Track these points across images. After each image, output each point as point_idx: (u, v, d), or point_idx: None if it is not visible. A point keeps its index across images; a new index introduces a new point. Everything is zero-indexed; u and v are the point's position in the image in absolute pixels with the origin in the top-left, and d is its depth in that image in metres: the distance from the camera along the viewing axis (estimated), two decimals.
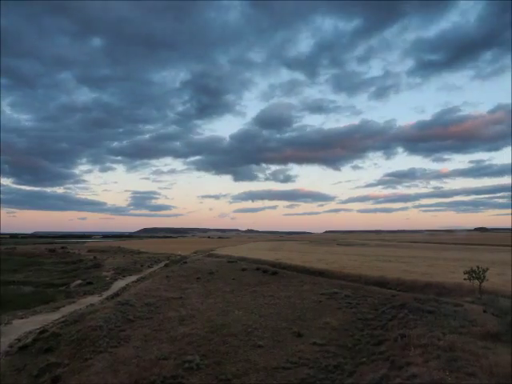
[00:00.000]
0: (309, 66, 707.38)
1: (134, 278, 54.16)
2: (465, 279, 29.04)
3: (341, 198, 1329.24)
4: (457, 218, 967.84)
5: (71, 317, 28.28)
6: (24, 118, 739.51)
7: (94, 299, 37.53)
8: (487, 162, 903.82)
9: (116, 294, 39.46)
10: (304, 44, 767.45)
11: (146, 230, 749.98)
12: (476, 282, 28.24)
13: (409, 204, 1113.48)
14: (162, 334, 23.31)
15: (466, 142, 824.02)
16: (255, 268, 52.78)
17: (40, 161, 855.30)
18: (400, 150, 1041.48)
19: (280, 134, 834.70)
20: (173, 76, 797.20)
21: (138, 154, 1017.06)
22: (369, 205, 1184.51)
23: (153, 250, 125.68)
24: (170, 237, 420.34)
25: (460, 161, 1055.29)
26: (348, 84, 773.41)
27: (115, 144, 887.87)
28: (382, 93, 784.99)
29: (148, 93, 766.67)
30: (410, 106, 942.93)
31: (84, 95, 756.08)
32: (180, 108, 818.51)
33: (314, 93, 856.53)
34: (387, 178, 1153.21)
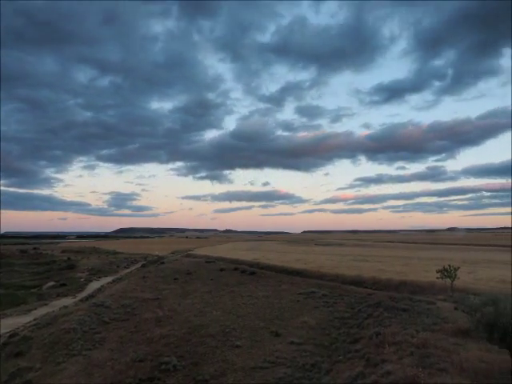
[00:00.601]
0: (277, 100, 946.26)
1: (109, 279, 53.12)
2: (437, 278, 29.85)
3: (315, 199, 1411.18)
4: (424, 218, 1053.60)
5: (43, 319, 27.47)
6: (25, 129, 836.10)
7: (67, 301, 36.58)
8: (441, 169, 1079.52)
9: (91, 296, 38.59)
10: (272, 86, 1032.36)
11: (122, 230, 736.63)
12: (448, 280, 29.10)
13: (377, 205, 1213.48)
14: (138, 336, 22.95)
15: (417, 153, 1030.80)
16: (233, 268, 52.68)
17: (31, 165, 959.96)
18: (363, 158, 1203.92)
19: (257, 145, 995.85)
20: (168, 104, 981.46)
21: (125, 160, 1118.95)
22: (342, 206, 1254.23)
23: (129, 251, 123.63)
24: (148, 237, 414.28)
25: (417, 168, 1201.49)
26: (309, 112, 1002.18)
27: (104, 151, 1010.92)
28: (336, 119, 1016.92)
29: (143, 114, 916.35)
30: (361, 125, 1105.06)
31: (86, 116, 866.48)
32: (169, 125, 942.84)
33: (283, 116, 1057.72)
34: (357, 182, 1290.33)
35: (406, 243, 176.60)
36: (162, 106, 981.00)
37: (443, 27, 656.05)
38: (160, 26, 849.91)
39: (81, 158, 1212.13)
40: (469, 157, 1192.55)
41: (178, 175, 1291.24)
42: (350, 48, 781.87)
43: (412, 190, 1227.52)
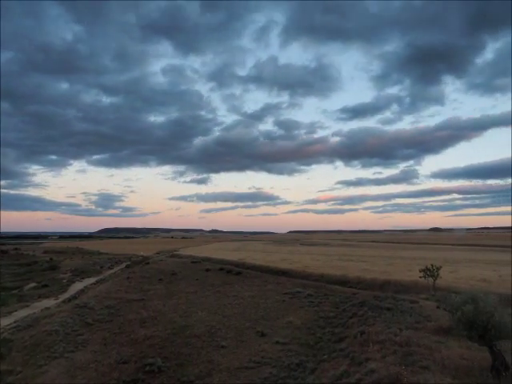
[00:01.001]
0: (259, 116, 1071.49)
1: (93, 279, 52.32)
2: (420, 277, 30.41)
3: (298, 201, 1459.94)
4: (404, 218, 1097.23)
5: (24, 321, 26.87)
6: (24, 137, 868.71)
7: (49, 302, 35.85)
8: (413, 173, 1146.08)
9: (74, 297, 37.92)
10: (254, 106, 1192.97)
11: (106, 231, 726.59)
12: (430, 279, 29.65)
13: (358, 206, 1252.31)
14: (122, 337, 22.67)
15: (388, 160, 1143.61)
16: (219, 268, 52.57)
17: (26, 169, 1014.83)
18: (341, 164, 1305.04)
19: (241, 151, 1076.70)
20: (161, 118, 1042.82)
21: (115, 165, 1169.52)
22: (325, 206, 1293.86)
23: (113, 251, 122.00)
24: (132, 237, 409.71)
25: (391, 172, 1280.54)
26: (287, 125, 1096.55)
27: (96, 156, 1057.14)
28: (312, 131, 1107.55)
29: (137, 125, 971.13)
30: (334, 134, 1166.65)
31: (83, 127, 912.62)
32: (160, 133, 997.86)
33: (264, 127, 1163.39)
34: (338, 185, 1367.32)
35: (389, 243, 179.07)
36: (156, 119, 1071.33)
37: (392, 64, 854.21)
38: (160, 62, 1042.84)
39: (71, 162, 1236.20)
40: (434, 162, 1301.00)
41: (166, 178, 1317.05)
42: (314, 81, 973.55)
43: (389, 191, 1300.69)
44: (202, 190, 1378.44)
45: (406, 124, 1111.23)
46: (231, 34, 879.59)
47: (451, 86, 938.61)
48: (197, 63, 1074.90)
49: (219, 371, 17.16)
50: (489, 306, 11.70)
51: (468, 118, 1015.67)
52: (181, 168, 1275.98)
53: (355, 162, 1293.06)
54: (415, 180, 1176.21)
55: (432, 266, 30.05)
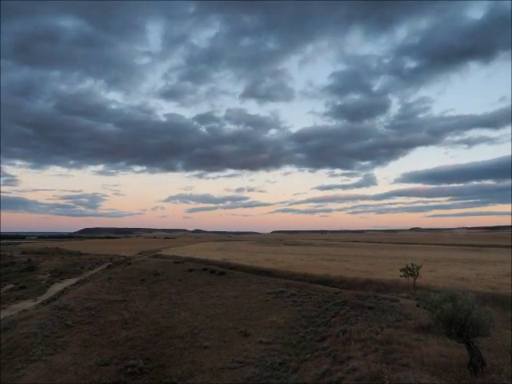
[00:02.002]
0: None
1: (73, 280, 51.33)
2: (401, 276, 30.93)
3: (280, 202, 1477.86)
4: (380, 218, 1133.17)
5: (1, 324, 26.13)
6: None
7: (27, 304, 34.97)
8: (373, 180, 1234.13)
9: (53, 299, 37.11)
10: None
11: (87, 231, 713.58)
12: (411, 278, 30.19)
13: (332, 207, 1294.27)
14: (103, 339, 22.31)
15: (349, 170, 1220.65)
16: (202, 268, 52.29)
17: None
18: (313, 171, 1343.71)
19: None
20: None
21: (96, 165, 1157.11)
22: (306, 207, 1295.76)
23: (94, 251, 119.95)
24: (114, 237, 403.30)
25: (355, 179, 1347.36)
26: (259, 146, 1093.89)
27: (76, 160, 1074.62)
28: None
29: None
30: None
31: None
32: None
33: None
34: (313, 190, 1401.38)
35: (371, 243, 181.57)
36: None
37: None
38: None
39: (51, 162, 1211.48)
40: (395, 167, 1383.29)
41: (148, 179, 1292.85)
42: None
43: (358, 194, 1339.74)
44: (186, 190, 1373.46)
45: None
46: None
47: None
48: None
49: (202, 372, 17.08)
50: (467, 304, 11.99)
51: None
52: (164, 170, 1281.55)
53: (321, 171, 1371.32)
54: (377, 185, 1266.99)
55: (412, 265, 30.60)
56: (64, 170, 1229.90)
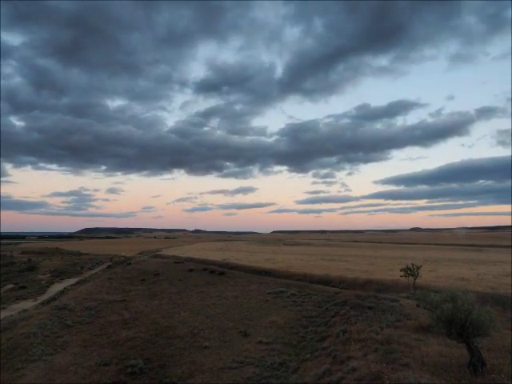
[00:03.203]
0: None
1: (73, 280, 51.35)
2: (401, 276, 30.93)
3: (279, 203, 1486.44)
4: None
5: (1, 324, 26.13)
6: None
7: (27, 304, 34.98)
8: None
9: (53, 299, 37.11)
10: None
11: (87, 231, 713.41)
12: (411, 278, 30.18)
13: (324, 206, 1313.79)
14: (103, 339, 22.30)
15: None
16: (202, 268, 52.30)
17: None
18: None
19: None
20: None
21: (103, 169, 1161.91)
22: (302, 207, 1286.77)
23: (94, 251, 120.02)
24: (114, 237, 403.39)
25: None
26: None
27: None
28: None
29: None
30: None
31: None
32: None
33: None
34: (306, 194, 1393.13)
35: (370, 242, 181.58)
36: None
37: None
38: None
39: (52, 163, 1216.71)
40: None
41: (149, 178, 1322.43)
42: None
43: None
44: (185, 189, 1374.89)
45: None
46: None
47: None
48: None
49: (202, 372, 17.07)
50: (467, 304, 11.99)
51: None
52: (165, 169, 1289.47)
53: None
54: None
55: (412, 265, 30.59)
56: (64, 170, 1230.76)
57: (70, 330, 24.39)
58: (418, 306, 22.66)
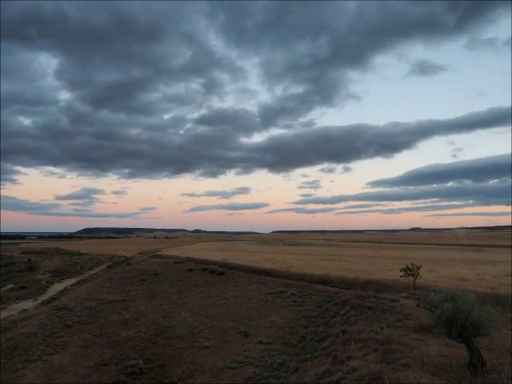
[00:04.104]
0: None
1: (73, 280, 51.33)
2: (401, 276, 30.90)
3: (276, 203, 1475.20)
4: (377, 218, 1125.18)
5: (1, 324, 26.14)
6: None
7: (27, 304, 34.97)
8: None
9: (53, 299, 37.11)
10: None
11: (87, 231, 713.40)
12: (411, 278, 30.17)
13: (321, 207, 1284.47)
14: (103, 339, 22.31)
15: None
16: (202, 268, 52.29)
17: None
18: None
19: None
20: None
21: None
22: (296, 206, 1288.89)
23: (94, 251, 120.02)
24: (114, 237, 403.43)
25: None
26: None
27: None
28: None
29: None
30: None
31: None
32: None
33: None
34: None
35: (370, 242, 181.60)
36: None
37: None
38: None
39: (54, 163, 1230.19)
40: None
41: (148, 178, 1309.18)
42: None
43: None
44: (186, 189, 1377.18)
45: None
46: None
47: None
48: None
49: (202, 372, 17.08)
50: (467, 304, 11.99)
51: None
52: (162, 168, 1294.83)
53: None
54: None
55: (412, 265, 30.56)
56: (64, 170, 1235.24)
57: (70, 330, 24.39)
58: (418, 305, 22.65)
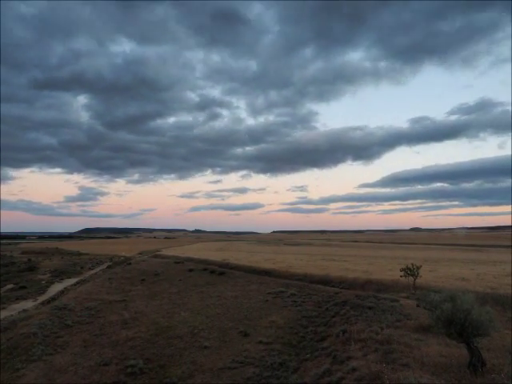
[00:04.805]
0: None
1: (73, 280, 51.34)
2: (401, 276, 30.91)
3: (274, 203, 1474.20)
4: (377, 218, 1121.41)
5: (1, 324, 26.15)
6: None
7: (27, 304, 34.99)
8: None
9: (53, 299, 37.13)
10: None
11: (87, 231, 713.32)
12: (411, 278, 30.18)
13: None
14: (103, 339, 22.32)
15: None
16: (202, 268, 52.28)
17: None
18: None
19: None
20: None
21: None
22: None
23: (94, 251, 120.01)
24: (114, 237, 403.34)
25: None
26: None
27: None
28: None
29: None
30: None
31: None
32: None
33: None
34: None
35: (370, 242, 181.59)
36: None
37: None
38: None
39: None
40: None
41: (148, 178, 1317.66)
42: None
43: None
44: (185, 188, 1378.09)
45: None
46: None
47: None
48: None
49: (202, 372, 17.09)
50: (467, 304, 11.98)
51: None
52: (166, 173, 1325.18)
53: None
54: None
55: (412, 265, 30.57)
56: (64, 171, 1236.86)
57: (70, 330, 24.40)
58: (417, 306, 22.65)
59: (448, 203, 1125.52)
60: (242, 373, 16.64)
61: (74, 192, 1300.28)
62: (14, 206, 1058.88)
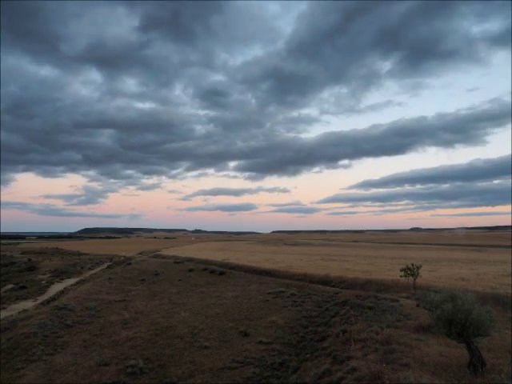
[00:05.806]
0: None
1: (73, 280, 51.36)
2: (401, 276, 30.90)
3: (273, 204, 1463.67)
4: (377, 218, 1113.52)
5: (1, 324, 26.15)
6: None
7: (27, 304, 35.01)
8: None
9: (53, 299, 37.14)
10: None
11: (87, 231, 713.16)
12: (411, 278, 30.17)
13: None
14: (103, 339, 22.31)
15: None
16: (202, 268, 52.28)
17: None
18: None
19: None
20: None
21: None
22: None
23: (94, 251, 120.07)
24: (114, 237, 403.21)
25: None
26: None
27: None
28: None
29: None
30: None
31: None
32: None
33: None
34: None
35: (370, 243, 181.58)
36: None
37: None
38: None
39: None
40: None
41: (147, 178, 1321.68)
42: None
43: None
44: (186, 188, 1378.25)
45: None
46: None
47: None
48: None
49: (202, 372, 17.08)
50: (467, 303, 11.98)
51: None
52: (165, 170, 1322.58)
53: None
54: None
55: (412, 265, 30.55)
56: (66, 172, 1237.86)
57: (70, 330, 24.40)
58: (417, 306, 22.65)
59: (448, 203, 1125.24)
60: (242, 373, 16.64)
61: (75, 192, 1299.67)
62: (14, 206, 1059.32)
